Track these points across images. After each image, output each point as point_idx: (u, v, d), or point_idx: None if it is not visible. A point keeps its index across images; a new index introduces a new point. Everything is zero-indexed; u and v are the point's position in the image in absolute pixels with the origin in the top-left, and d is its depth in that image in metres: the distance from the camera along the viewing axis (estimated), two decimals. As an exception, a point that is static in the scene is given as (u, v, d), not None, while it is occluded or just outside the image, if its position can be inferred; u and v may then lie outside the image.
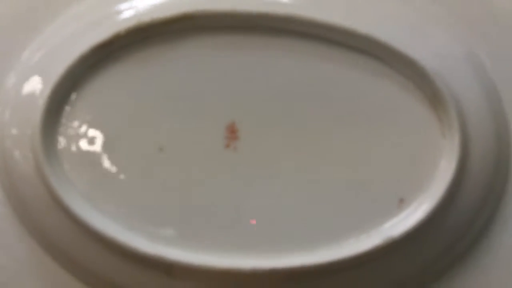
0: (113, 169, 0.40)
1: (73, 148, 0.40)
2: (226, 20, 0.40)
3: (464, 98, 0.40)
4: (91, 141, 0.40)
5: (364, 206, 0.40)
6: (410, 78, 0.40)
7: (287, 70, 0.40)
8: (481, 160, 0.40)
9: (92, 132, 0.40)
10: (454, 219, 0.40)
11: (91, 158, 0.40)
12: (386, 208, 0.40)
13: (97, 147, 0.40)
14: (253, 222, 0.40)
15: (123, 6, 0.41)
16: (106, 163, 0.40)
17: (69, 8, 0.43)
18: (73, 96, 0.41)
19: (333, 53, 0.40)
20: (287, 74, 0.40)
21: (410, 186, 0.40)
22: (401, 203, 0.40)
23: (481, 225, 0.41)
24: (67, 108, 0.40)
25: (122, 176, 0.40)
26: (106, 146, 0.40)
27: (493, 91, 0.42)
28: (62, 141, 0.40)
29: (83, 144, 0.40)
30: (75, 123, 0.41)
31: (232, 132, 0.40)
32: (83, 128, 0.41)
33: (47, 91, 0.40)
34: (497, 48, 0.42)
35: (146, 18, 0.40)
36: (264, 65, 0.40)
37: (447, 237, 0.40)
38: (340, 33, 0.40)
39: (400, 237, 0.39)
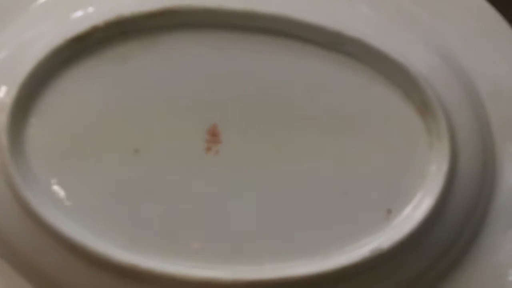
0: (85, 171, 0.38)
1: (43, 148, 0.38)
2: (210, 17, 0.38)
3: (452, 106, 0.39)
4: (62, 141, 0.38)
5: (350, 216, 0.38)
6: (400, 85, 0.39)
7: (273, 71, 0.39)
8: (469, 169, 0.39)
9: (63, 132, 0.38)
10: (443, 230, 0.38)
11: (62, 160, 0.38)
12: (374, 219, 0.38)
13: (69, 147, 0.38)
14: (235, 230, 0.38)
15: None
16: (77, 164, 0.38)
17: (37, 1, 0.40)
18: (44, 93, 0.38)
19: (322, 56, 0.39)
20: (273, 75, 0.39)
21: (397, 197, 0.38)
22: (389, 214, 0.38)
23: (469, 234, 0.40)
24: (37, 107, 0.38)
25: (94, 179, 0.38)
26: (78, 146, 0.38)
27: (476, 97, 0.41)
28: (30, 141, 0.38)
29: (54, 145, 0.38)
30: (45, 122, 0.38)
31: (213, 135, 0.38)
32: (54, 128, 0.38)
33: (15, 89, 0.37)
34: (478, 51, 0.41)
35: (127, 12, 0.38)
36: (249, 65, 0.39)
37: (436, 248, 0.39)
38: (330, 35, 0.38)
39: (388, 249, 0.37)
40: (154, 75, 0.38)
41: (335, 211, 0.38)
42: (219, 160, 0.38)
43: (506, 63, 0.42)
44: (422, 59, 0.39)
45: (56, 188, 0.37)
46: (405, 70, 0.38)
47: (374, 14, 0.40)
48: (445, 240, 0.39)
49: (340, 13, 0.39)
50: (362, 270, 0.37)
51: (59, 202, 0.37)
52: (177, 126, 0.38)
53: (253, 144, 0.38)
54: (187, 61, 0.38)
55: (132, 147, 0.38)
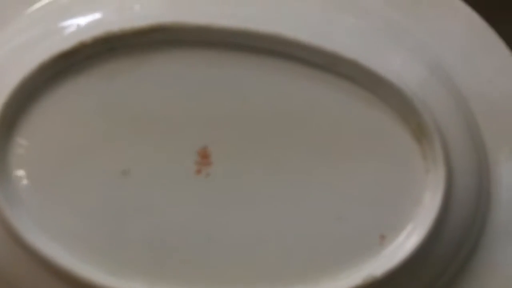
0: (70, 193, 0.37)
1: (26, 169, 0.37)
2: (202, 34, 0.37)
3: (447, 128, 0.38)
4: (48, 161, 0.37)
5: (344, 241, 0.37)
6: (396, 108, 0.38)
7: (266, 91, 0.38)
8: (464, 193, 0.38)
9: (48, 152, 0.37)
10: (437, 255, 0.38)
11: (47, 181, 0.37)
12: (367, 245, 0.37)
13: (55, 168, 0.37)
14: (225, 256, 0.37)
15: (89, 13, 0.37)
16: (63, 186, 0.37)
17: (23, 13, 0.39)
18: (29, 111, 0.37)
19: (315, 77, 0.38)
20: (266, 95, 0.38)
21: (392, 222, 0.37)
22: (383, 240, 0.37)
23: (465, 256, 0.39)
24: (21, 125, 0.37)
25: (80, 202, 0.37)
26: (63, 167, 0.37)
27: (470, 116, 0.40)
28: (14, 162, 0.37)
29: (38, 165, 0.37)
30: (30, 142, 0.37)
31: (204, 157, 0.37)
32: (39, 147, 0.37)
33: None
34: (472, 67, 0.40)
35: (115, 28, 0.36)
36: (241, 85, 0.37)
37: (431, 273, 0.38)
38: (324, 56, 0.37)
39: (382, 276, 0.36)
40: (144, 94, 0.37)
41: (329, 236, 0.37)
42: (209, 183, 0.37)
43: (500, 79, 0.41)
44: (418, 80, 0.38)
45: (41, 210, 0.36)
46: (401, 93, 0.37)
47: (368, 31, 0.39)
48: (440, 264, 0.38)
49: (336, 32, 0.38)
50: None
51: (44, 225, 0.36)
52: (167, 147, 0.37)
53: (245, 167, 0.37)
54: (178, 79, 0.37)
55: (120, 168, 0.37)
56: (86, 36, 0.36)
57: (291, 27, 0.37)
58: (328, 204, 0.37)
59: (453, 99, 0.39)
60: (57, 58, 0.36)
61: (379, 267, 0.36)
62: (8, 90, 0.36)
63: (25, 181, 0.36)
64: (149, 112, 0.37)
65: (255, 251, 0.37)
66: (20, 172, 0.37)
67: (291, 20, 0.38)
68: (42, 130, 0.37)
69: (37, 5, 0.39)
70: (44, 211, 0.36)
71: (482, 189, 0.39)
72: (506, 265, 0.40)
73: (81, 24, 0.37)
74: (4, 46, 0.38)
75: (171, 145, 0.37)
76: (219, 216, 0.37)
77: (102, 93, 0.37)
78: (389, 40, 0.39)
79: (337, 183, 0.37)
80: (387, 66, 0.38)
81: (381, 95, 0.37)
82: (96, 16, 0.37)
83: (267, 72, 0.38)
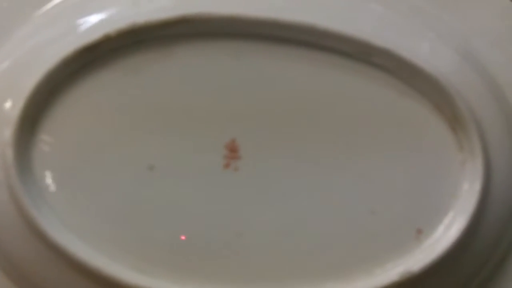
0: (96, 190, 0.36)
1: (51, 167, 0.36)
2: (229, 25, 0.36)
3: (484, 118, 0.37)
4: (72, 157, 0.36)
5: (378, 236, 0.36)
6: (430, 98, 0.36)
7: (295, 82, 0.36)
8: (503, 185, 0.37)
9: (73, 147, 0.36)
10: (476, 250, 0.36)
11: (71, 177, 0.36)
12: (403, 240, 0.36)
13: (79, 164, 0.36)
14: (255, 252, 0.36)
15: (108, 7, 0.37)
16: (88, 182, 0.36)
17: (37, 12, 0.38)
18: (52, 106, 0.36)
19: (346, 66, 0.37)
20: (296, 87, 0.36)
21: (428, 216, 0.36)
22: (419, 234, 0.36)
23: (501, 254, 0.38)
24: (45, 121, 0.36)
25: (105, 198, 0.36)
26: (88, 163, 0.36)
27: (506, 106, 0.39)
28: (38, 160, 0.36)
29: (62, 162, 0.36)
30: (54, 138, 0.36)
31: (232, 151, 0.36)
32: (63, 144, 0.36)
33: (21, 102, 0.35)
34: (505, 54, 0.39)
35: (141, 20, 0.35)
36: (270, 76, 0.36)
37: (470, 268, 0.37)
38: (357, 45, 0.36)
39: (420, 272, 0.35)
40: (169, 87, 0.36)
41: (362, 231, 0.36)
42: (238, 177, 0.36)
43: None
44: (451, 68, 0.37)
45: (65, 207, 0.36)
46: (435, 81, 0.36)
47: (397, 19, 0.38)
48: (478, 260, 0.37)
49: (366, 21, 0.37)
50: None
51: (68, 222, 0.35)
52: (194, 141, 0.36)
53: (274, 160, 0.36)
54: (204, 71, 0.36)
55: (146, 163, 0.36)
56: (111, 29, 0.36)
57: (319, 16, 0.36)
58: (361, 197, 0.36)
59: (488, 88, 0.38)
60: (81, 52, 0.35)
61: (416, 263, 0.35)
62: (31, 85, 0.35)
63: (49, 179, 0.36)
64: (175, 105, 0.36)
65: (285, 247, 0.36)
66: (45, 170, 0.36)
67: (319, 9, 0.37)
68: (66, 126, 0.36)
69: (49, 4, 0.38)
70: (70, 209, 0.36)
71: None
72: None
73: (104, 17, 0.36)
74: (24, 43, 0.37)
75: (198, 139, 0.36)
76: (248, 212, 0.36)
77: (127, 86, 0.36)
78: (420, 28, 0.38)
79: (370, 176, 0.36)
80: (419, 55, 0.36)
81: (415, 84, 0.36)
82: (115, 10, 0.37)
83: (296, 63, 0.37)
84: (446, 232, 0.36)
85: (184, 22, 0.36)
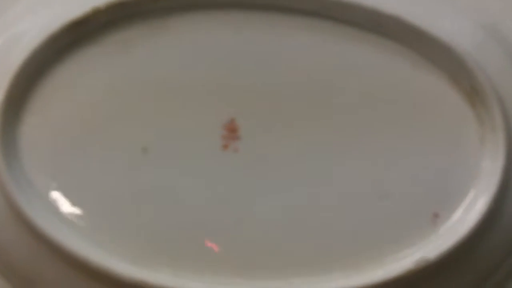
0: (86, 174, 0.34)
1: (39, 150, 0.34)
2: (224, -6, 0.34)
3: (505, 91, 0.34)
4: (61, 140, 0.34)
5: (391, 222, 0.34)
6: (445, 69, 0.34)
7: (300, 55, 0.35)
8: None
9: (62, 130, 0.34)
10: (499, 234, 0.34)
11: (60, 162, 0.34)
12: (417, 225, 0.34)
13: (68, 147, 0.34)
14: (257, 240, 0.34)
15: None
16: (78, 167, 0.34)
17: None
18: (38, 87, 0.34)
19: (355, 37, 0.34)
20: (301, 60, 0.35)
21: (445, 199, 0.34)
22: (436, 218, 0.34)
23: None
24: (31, 102, 0.34)
25: (96, 183, 0.34)
26: (78, 146, 0.34)
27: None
28: (25, 142, 0.34)
29: (51, 145, 0.34)
30: (42, 120, 0.34)
31: (231, 131, 0.34)
32: (52, 125, 0.34)
33: (6, 82, 0.33)
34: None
35: (131, -8, 0.34)
36: (272, 50, 0.35)
37: (492, 256, 0.34)
38: (365, 14, 0.34)
39: (436, 260, 0.33)
40: (164, 63, 0.35)
41: (373, 216, 0.34)
42: (237, 159, 0.34)
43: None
44: (468, 36, 0.35)
45: (54, 194, 0.34)
46: (451, 51, 0.34)
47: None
48: (502, 245, 0.34)
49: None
50: (405, 285, 0.33)
51: (57, 210, 0.34)
52: (190, 121, 0.34)
53: (276, 140, 0.34)
54: (201, 46, 0.35)
55: (140, 145, 0.34)
56: (100, 2, 0.34)
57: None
58: (371, 179, 0.34)
59: (508, 56, 0.35)
60: (68, 27, 0.34)
61: (433, 250, 0.33)
62: (16, 65, 0.34)
63: (36, 163, 0.34)
64: (170, 83, 0.34)
65: (289, 235, 0.34)
66: (31, 154, 0.34)
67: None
68: (53, 107, 0.34)
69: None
70: (56, 195, 0.34)
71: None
72: None
73: (93, -10, 0.34)
74: (12, 23, 0.36)
75: (195, 118, 0.34)
76: (248, 197, 0.34)
77: (118, 64, 0.35)
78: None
79: (381, 156, 0.34)
80: (433, 22, 0.34)
81: (429, 55, 0.34)
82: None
83: (301, 35, 0.35)
84: (465, 216, 0.33)
85: (179, -8, 0.34)
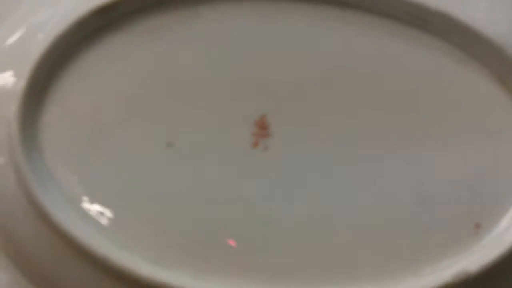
0: (109, 168, 0.33)
1: (60, 141, 0.33)
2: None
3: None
4: (83, 132, 0.33)
5: (429, 231, 0.32)
6: (494, 69, 0.33)
7: (338, 49, 0.33)
8: None
9: (84, 121, 0.33)
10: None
11: (82, 155, 0.33)
12: (458, 235, 0.32)
13: (90, 140, 0.33)
14: (284, 244, 0.32)
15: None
16: (100, 161, 0.33)
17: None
18: (62, 75, 0.33)
19: (400, 33, 0.33)
20: (338, 54, 0.33)
21: (488, 207, 0.33)
22: (478, 228, 0.32)
23: None
24: (54, 91, 0.33)
25: (118, 178, 0.33)
26: (101, 139, 0.33)
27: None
28: (46, 133, 0.33)
29: (73, 137, 0.33)
30: (64, 110, 0.33)
31: (262, 128, 0.33)
32: (74, 116, 0.33)
33: (28, 69, 0.32)
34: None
35: (160, -23, 0.32)
36: (308, 43, 0.33)
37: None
38: (410, 8, 0.33)
39: (478, 272, 0.31)
40: (193, 54, 0.33)
41: (410, 224, 0.32)
42: (268, 157, 0.33)
43: None
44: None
45: (74, 189, 0.33)
46: (500, 51, 0.32)
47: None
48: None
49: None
50: None
51: (78, 205, 0.32)
52: (219, 116, 0.33)
53: (309, 139, 0.33)
54: (233, 36, 0.33)
55: (165, 140, 0.33)
56: (129, -12, 0.33)
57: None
58: (410, 184, 0.32)
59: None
60: (96, 13, 0.33)
61: (474, 262, 0.31)
62: (39, 52, 0.32)
63: (57, 156, 0.33)
64: (199, 74, 0.33)
65: (317, 240, 0.32)
66: (53, 148, 0.33)
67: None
68: (76, 97, 0.33)
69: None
70: (78, 190, 0.33)
71: None
72: None
73: (122, -25, 0.33)
74: (33, 11, 0.35)
75: (224, 113, 0.33)
76: (277, 197, 0.32)
77: (146, 52, 0.33)
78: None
79: (420, 159, 0.33)
80: (479, 19, 0.33)
81: (473, 52, 0.33)
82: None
83: (340, 28, 0.33)
84: (510, 227, 0.32)
85: (211, -21, 0.33)
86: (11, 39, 0.34)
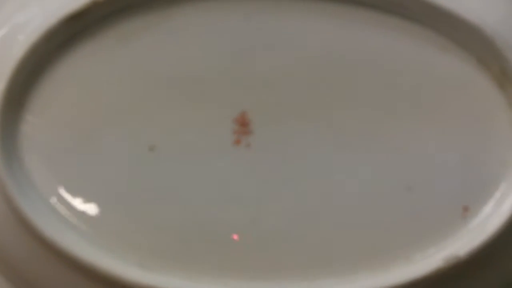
0: (89, 177, 0.33)
1: (40, 150, 0.33)
2: (235, -20, 0.33)
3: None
4: (63, 140, 0.33)
5: (417, 216, 0.32)
6: (473, 51, 0.32)
7: (317, 42, 0.33)
8: None
9: (64, 129, 0.33)
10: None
11: (63, 162, 0.33)
12: (446, 220, 0.32)
13: (70, 147, 0.33)
14: (272, 240, 0.32)
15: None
16: (81, 168, 0.33)
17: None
18: (38, 84, 0.33)
19: (377, 21, 0.33)
20: (317, 47, 0.33)
21: (475, 190, 0.32)
22: (466, 212, 0.32)
23: None
24: (31, 101, 0.33)
25: (101, 184, 0.32)
26: (81, 145, 0.33)
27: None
28: (25, 142, 0.33)
29: (53, 145, 0.33)
30: (42, 118, 0.33)
31: (243, 125, 0.33)
32: (53, 124, 0.33)
33: (3, 82, 0.32)
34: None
35: (132, -20, 0.32)
36: (286, 37, 0.33)
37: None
38: None
39: (467, 256, 0.31)
40: (169, 56, 0.33)
41: (398, 210, 0.32)
42: (250, 154, 0.32)
43: None
44: (498, 17, 0.32)
45: (57, 196, 0.33)
46: (478, 31, 0.32)
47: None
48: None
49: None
50: (434, 284, 0.31)
51: (60, 213, 0.32)
52: (198, 116, 0.33)
53: (292, 134, 0.32)
54: (209, 36, 0.33)
55: (147, 143, 0.33)
56: (98, -6, 0.32)
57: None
58: (395, 171, 0.32)
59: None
60: (67, 21, 0.32)
61: (463, 246, 0.31)
62: (14, 62, 0.32)
63: (38, 164, 0.33)
64: (176, 76, 0.33)
65: (307, 234, 0.32)
66: (32, 154, 0.33)
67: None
68: (54, 104, 0.33)
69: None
70: (59, 197, 0.33)
71: None
72: None
73: (92, -20, 0.33)
74: (8, 19, 0.34)
75: (204, 113, 0.33)
76: (263, 194, 0.32)
77: (121, 57, 0.33)
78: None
79: (405, 145, 0.32)
80: (461, 5, 0.32)
81: (454, 36, 0.32)
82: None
83: (317, 20, 0.33)
84: (497, 209, 0.32)
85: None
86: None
